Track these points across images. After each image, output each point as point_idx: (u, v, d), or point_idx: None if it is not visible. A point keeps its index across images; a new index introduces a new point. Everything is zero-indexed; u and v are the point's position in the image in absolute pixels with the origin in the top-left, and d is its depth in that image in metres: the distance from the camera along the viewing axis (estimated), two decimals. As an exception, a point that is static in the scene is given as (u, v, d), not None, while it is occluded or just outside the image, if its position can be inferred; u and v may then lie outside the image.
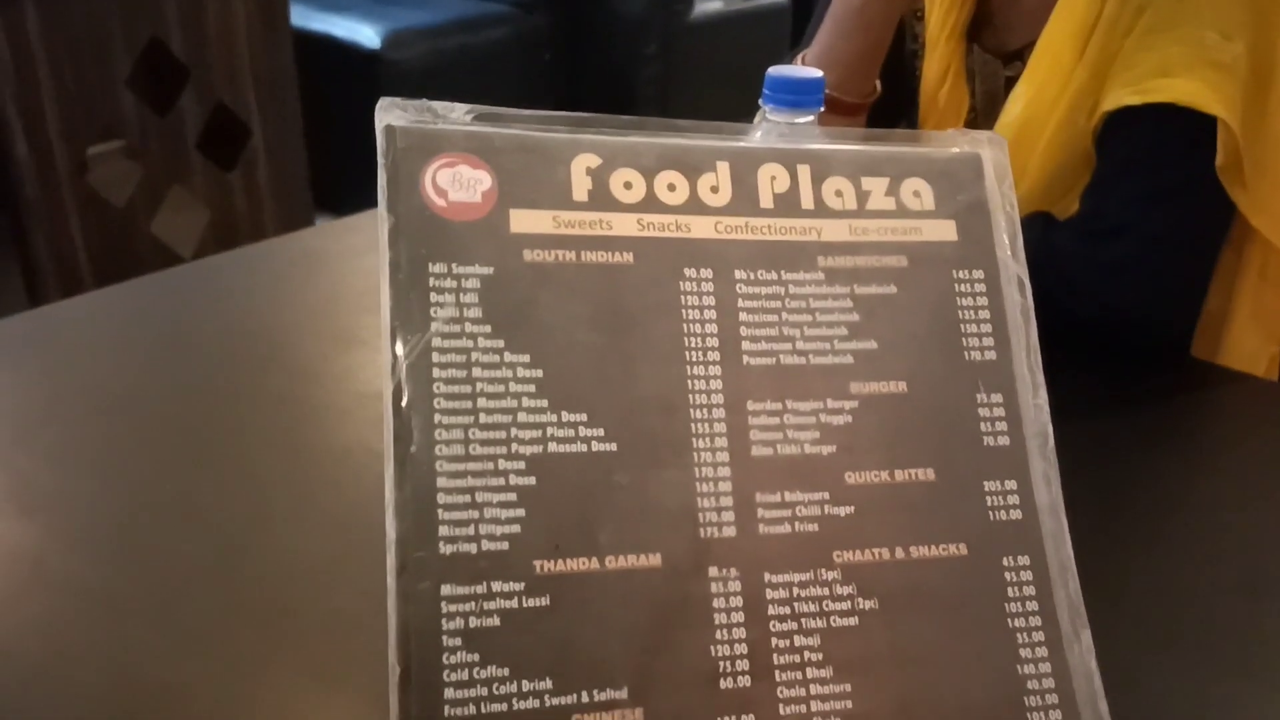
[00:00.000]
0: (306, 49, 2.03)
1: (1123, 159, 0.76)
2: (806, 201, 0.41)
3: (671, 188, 0.39)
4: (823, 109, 0.57)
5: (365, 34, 2.26)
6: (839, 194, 0.41)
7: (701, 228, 0.39)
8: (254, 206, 1.94)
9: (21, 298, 1.67)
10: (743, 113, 0.62)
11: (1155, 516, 0.63)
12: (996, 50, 0.86)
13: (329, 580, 0.52)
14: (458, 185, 0.37)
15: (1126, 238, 0.76)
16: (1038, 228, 0.79)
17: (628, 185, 0.39)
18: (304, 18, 2.24)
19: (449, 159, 0.37)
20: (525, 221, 0.37)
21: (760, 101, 0.56)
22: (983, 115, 0.88)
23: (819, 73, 0.56)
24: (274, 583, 0.52)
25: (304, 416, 0.68)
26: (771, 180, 0.40)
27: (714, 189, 0.40)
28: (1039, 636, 0.38)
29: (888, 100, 0.88)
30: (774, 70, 0.55)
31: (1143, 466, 0.67)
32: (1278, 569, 0.58)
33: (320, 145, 2.00)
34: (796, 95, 0.55)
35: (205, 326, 0.78)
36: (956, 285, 0.41)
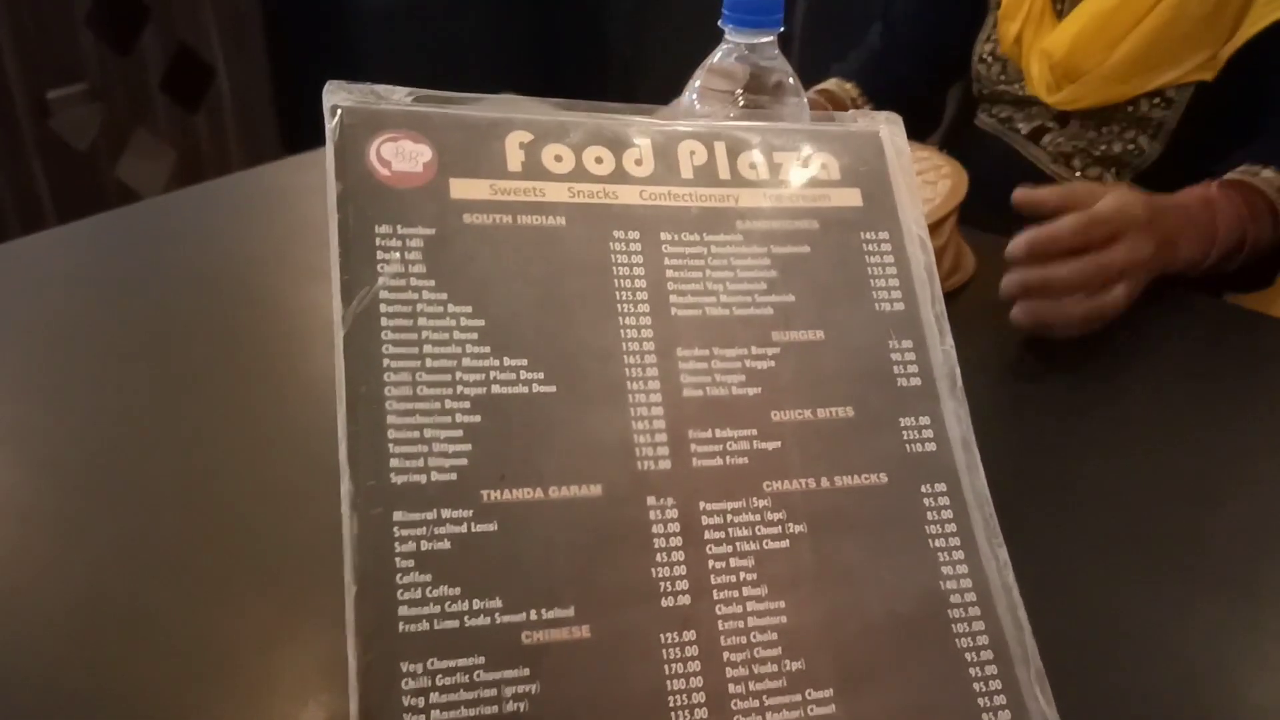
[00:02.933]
0: (271, -15, 1.96)
1: None
2: (724, 173, 0.44)
3: (599, 160, 0.43)
4: None
5: (331, -30, 2.19)
6: (753, 166, 0.45)
7: (627, 195, 0.43)
8: (220, 148, 1.90)
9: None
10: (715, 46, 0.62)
11: (1109, 429, 0.66)
12: None
13: (294, 506, 0.52)
14: (400, 157, 0.40)
15: None
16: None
17: (558, 158, 0.42)
18: (268, -47, 2.14)
19: (392, 135, 0.40)
20: (464, 189, 0.40)
21: (720, 23, 0.56)
22: None
23: None
24: (239, 510, 0.53)
25: (267, 348, 0.69)
26: (691, 154, 0.44)
27: (638, 162, 0.43)
28: (959, 555, 0.41)
29: None
30: None
31: (1102, 383, 0.70)
32: (1224, 479, 0.61)
33: (286, 85, 1.95)
34: (757, 14, 0.55)
35: (168, 260, 0.79)
36: (864, 245, 0.45)
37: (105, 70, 1.75)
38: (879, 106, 0.62)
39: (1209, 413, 0.68)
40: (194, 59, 1.84)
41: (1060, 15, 0.96)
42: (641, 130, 0.44)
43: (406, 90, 0.42)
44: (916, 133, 0.92)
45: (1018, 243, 0.70)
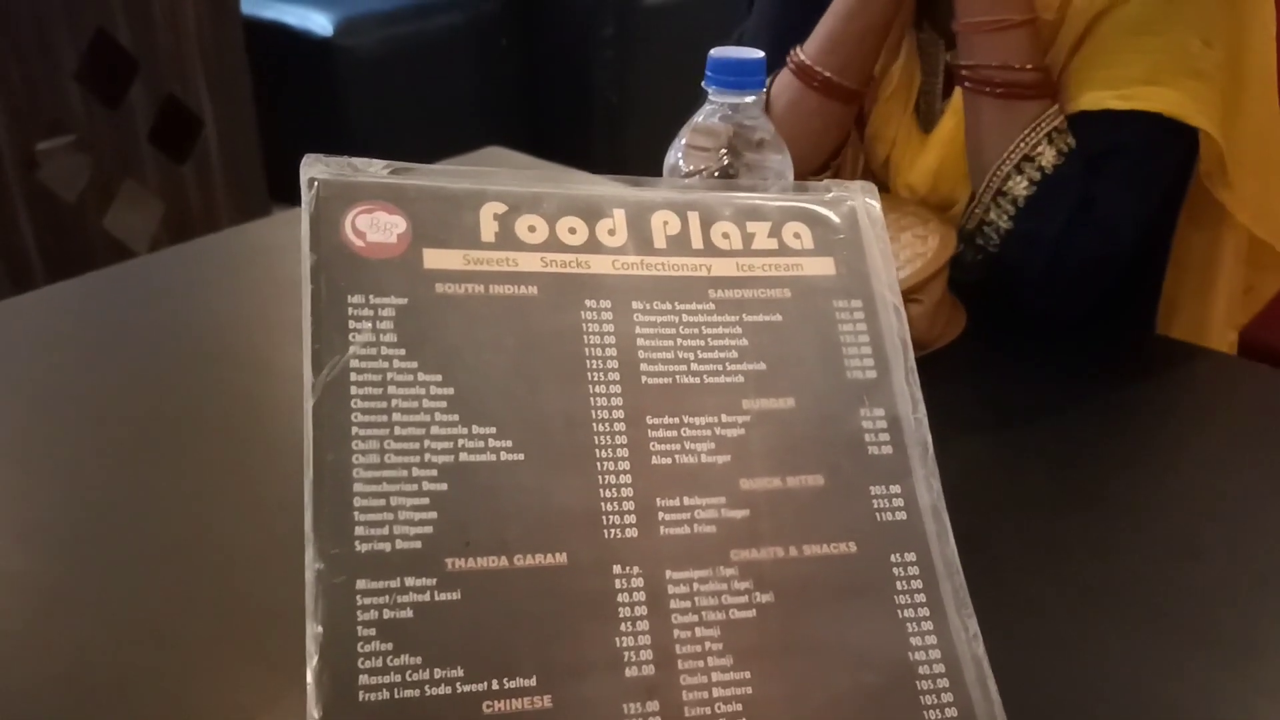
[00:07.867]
0: (258, 37, 2.01)
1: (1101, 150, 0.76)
2: (696, 242, 0.45)
3: (572, 231, 0.43)
4: (818, 91, 0.58)
5: (318, 21, 2.19)
6: (726, 236, 0.45)
7: (600, 265, 0.43)
8: (208, 199, 1.91)
9: (-26, 298, 1.65)
10: (700, 96, 0.62)
11: (1099, 482, 0.66)
12: (943, 31, 0.84)
13: (279, 569, 0.52)
14: (375, 228, 0.41)
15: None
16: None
17: (532, 229, 0.43)
18: (254, 5, 2.19)
19: (367, 206, 0.41)
20: (438, 259, 0.41)
21: (703, 84, 0.57)
22: (941, 96, 0.87)
23: (760, 53, 0.57)
24: (224, 573, 0.53)
25: (254, 409, 0.69)
26: (664, 225, 0.45)
27: (611, 232, 0.44)
28: (928, 626, 0.40)
29: None
30: (716, 51, 0.56)
31: (1089, 435, 0.70)
32: (1214, 531, 0.61)
33: (274, 135, 1.98)
34: (739, 76, 0.56)
35: (156, 321, 0.79)
36: (837, 313, 0.45)
37: (93, 122, 1.77)
38: None
39: (1198, 465, 0.68)
40: (182, 110, 1.86)
41: (928, 130, 0.88)
42: (615, 200, 0.45)
43: (384, 163, 0.43)
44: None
45: None
